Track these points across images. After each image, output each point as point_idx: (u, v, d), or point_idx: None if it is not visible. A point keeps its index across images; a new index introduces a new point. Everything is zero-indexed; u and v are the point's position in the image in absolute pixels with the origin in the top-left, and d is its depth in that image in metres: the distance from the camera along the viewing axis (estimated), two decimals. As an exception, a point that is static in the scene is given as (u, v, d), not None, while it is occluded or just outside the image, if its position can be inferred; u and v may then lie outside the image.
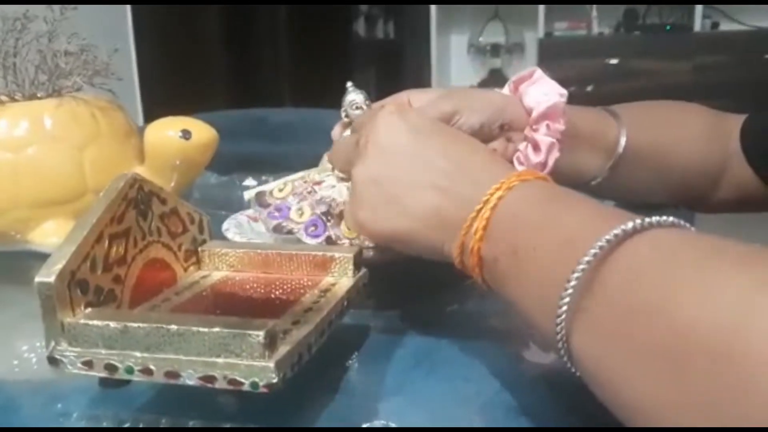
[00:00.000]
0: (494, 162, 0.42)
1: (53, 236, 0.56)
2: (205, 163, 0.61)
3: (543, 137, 0.52)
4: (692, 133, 0.62)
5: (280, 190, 0.53)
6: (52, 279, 0.32)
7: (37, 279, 0.32)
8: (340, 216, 0.49)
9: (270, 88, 2.82)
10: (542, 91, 0.52)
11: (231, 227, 0.54)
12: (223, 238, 0.53)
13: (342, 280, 0.42)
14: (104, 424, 0.35)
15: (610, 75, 2.81)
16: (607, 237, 0.30)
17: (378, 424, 0.36)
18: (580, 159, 0.57)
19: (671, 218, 0.30)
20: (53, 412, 0.37)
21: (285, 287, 0.41)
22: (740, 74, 2.66)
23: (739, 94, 2.63)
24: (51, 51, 0.58)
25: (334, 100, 0.56)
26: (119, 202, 0.37)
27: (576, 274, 0.30)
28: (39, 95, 0.59)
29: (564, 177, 0.55)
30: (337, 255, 0.42)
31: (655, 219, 0.30)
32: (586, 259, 0.30)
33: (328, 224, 0.49)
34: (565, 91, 0.52)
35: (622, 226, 0.30)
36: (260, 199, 0.53)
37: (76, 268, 0.34)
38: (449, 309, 0.49)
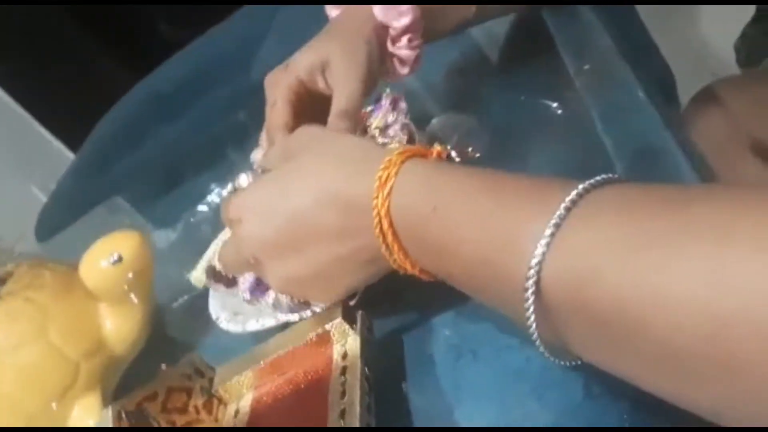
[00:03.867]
0: (358, 168, 0.38)
1: (88, 418, 0.56)
2: (151, 260, 0.59)
3: (406, 52, 0.50)
4: None
5: None
6: None
7: None
8: None
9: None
10: (398, 10, 0.48)
11: (219, 314, 0.53)
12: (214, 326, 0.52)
13: (349, 341, 0.41)
14: None
15: None
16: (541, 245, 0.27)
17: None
18: (445, 22, 0.54)
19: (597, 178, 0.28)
20: None
21: (308, 384, 0.41)
22: None
23: None
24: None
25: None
26: (122, 441, 0.37)
27: (529, 291, 0.28)
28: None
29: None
30: (327, 326, 0.41)
31: (574, 193, 0.28)
32: (533, 272, 0.28)
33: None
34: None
35: (552, 223, 0.27)
36: (217, 276, 0.50)
37: None
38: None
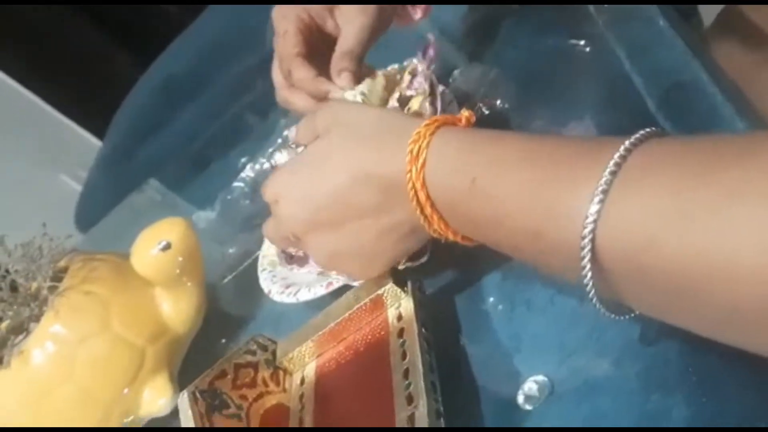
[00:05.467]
0: (387, 143, 0.38)
1: (159, 398, 0.59)
2: (198, 242, 0.60)
3: None
4: None
5: None
6: None
7: None
8: None
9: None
10: None
11: (271, 287, 0.55)
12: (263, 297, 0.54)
13: (402, 303, 0.42)
14: None
15: None
16: (591, 215, 0.27)
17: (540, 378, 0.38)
18: None
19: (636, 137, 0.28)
20: None
21: (368, 348, 0.43)
22: None
23: None
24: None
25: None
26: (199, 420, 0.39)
27: (585, 259, 0.28)
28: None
29: None
30: (379, 291, 0.42)
31: (618, 154, 0.27)
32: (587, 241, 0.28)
33: None
34: None
35: (601, 184, 0.27)
36: (289, 258, 0.53)
37: None
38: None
